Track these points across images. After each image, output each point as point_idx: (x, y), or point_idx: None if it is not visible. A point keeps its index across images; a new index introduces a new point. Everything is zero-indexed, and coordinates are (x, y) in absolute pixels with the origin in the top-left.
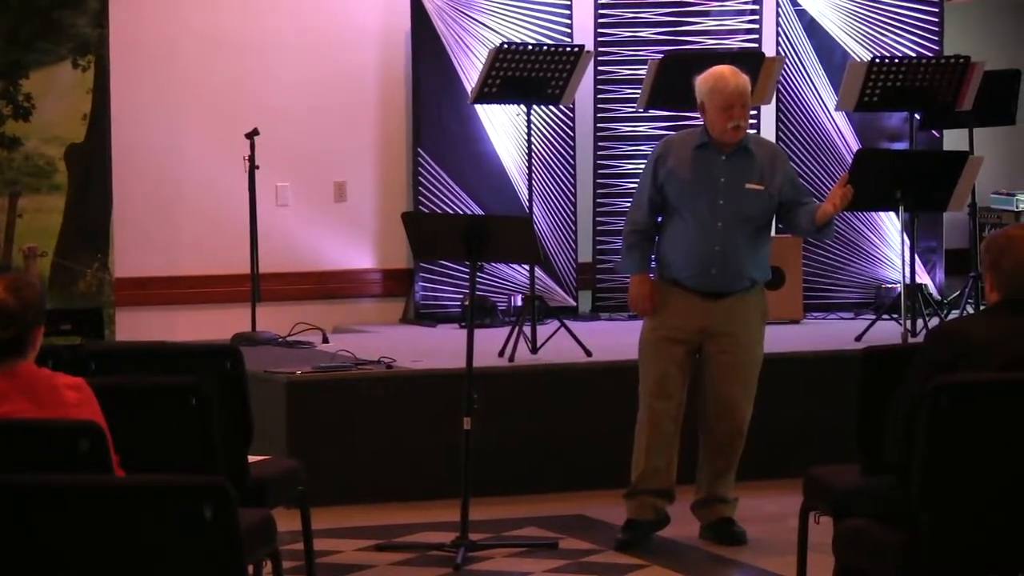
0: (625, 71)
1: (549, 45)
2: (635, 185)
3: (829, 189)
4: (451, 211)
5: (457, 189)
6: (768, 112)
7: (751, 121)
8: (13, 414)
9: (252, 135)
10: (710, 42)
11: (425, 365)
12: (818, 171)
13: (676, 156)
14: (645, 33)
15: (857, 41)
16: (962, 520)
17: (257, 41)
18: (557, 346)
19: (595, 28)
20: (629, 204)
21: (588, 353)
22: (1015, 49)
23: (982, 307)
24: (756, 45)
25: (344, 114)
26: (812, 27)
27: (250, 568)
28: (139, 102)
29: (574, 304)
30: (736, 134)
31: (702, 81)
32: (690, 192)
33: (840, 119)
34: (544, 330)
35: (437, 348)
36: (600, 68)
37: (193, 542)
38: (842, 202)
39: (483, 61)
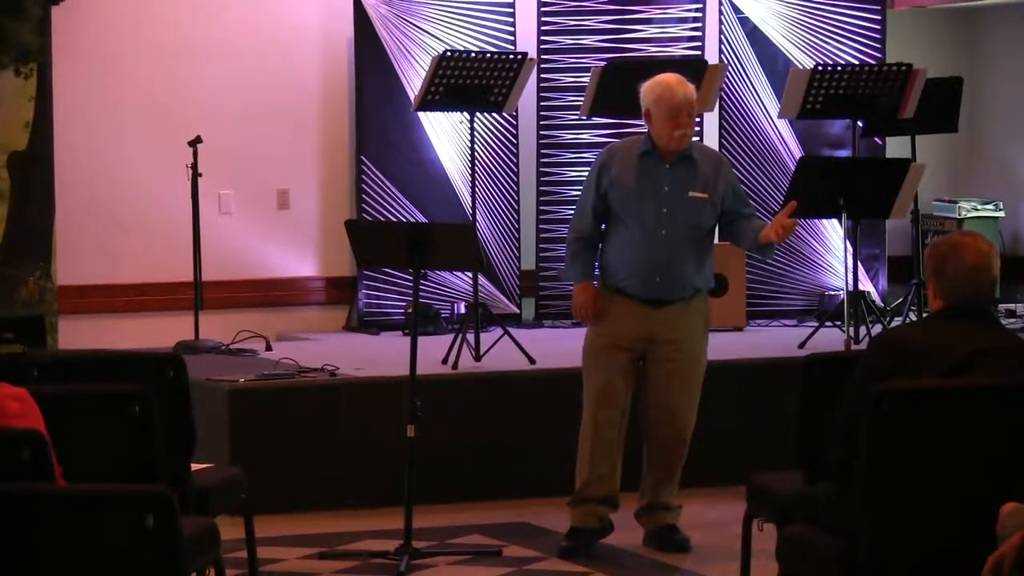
0: (568, 79)
1: (492, 52)
2: (578, 192)
3: (772, 196)
4: (394, 219)
5: (400, 197)
6: (711, 119)
7: (694, 129)
8: None
9: (195, 143)
10: (653, 50)
11: (368, 373)
12: (761, 178)
13: (620, 164)
14: (588, 41)
15: (799, 48)
16: (901, 527)
17: (200, 49)
18: (500, 354)
19: (538, 35)
20: (572, 211)
21: (531, 360)
22: (957, 56)
23: (925, 314)
24: (699, 53)
25: (287, 122)
26: (754, 34)
27: None
28: (82, 110)
29: (517, 311)
30: (682, 142)
31: (648, 89)
32: (634, 200)
33: (783, 126)
34: (487, 337)
35: (380, 356)
36: (543, 75)
37: (135, 551)
38: (785, 235)
39: (426, 68)
